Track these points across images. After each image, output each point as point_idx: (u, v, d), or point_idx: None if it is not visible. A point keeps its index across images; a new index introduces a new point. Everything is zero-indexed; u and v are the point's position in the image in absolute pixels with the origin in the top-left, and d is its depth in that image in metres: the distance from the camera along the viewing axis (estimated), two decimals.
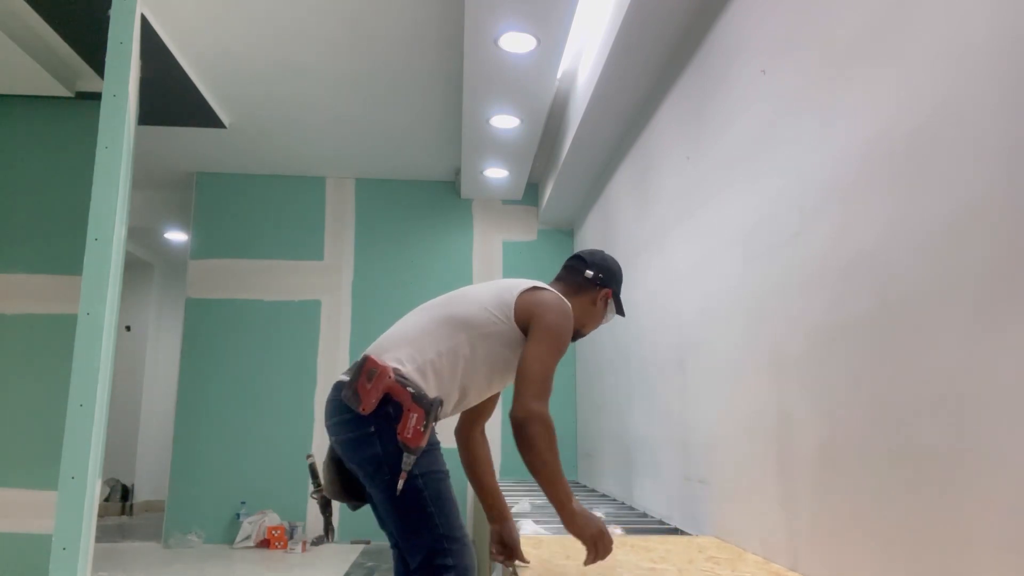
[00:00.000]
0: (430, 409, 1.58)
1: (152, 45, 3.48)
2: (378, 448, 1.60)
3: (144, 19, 3.18)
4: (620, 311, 1.95)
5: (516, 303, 1.71)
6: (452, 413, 1.79)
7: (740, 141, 2.26)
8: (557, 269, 5.66)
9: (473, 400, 1.80)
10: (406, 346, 1.68)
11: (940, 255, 1.33)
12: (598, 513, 3.12)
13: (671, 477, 2.91)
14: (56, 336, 3.37)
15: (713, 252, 2.49)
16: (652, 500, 3.19)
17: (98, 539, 2.85)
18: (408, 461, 1.56)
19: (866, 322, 1.56)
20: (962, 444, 1.26)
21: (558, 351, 1.67)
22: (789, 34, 1.96)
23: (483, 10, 2.95)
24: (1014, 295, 1.16)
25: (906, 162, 1.44)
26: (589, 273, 1.88)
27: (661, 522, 2.92)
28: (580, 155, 4.15)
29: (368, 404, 1.58)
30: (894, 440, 1.45)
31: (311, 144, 4.99)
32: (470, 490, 5.09)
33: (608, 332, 4.22)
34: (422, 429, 1.56)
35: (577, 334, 1.84)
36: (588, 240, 4.94)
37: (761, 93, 2.11)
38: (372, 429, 1.61)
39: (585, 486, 4.61)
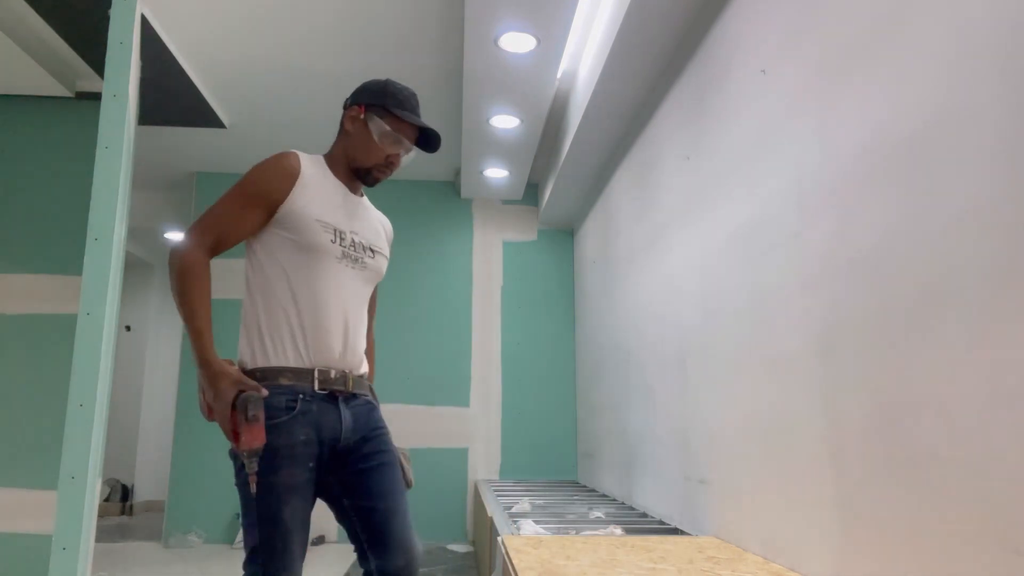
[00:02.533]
0: (243, 407, 1.47)
1: (152, 45, 3.48)
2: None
3: (144, 19, 3.18)
4: (394, 121, 1.69)
5: None
6: (324, 341, 1.60)
7: (740, 141, 2.26)
8: (557, 269, 5.56)
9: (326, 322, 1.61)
10: (242, 333, 1.63)
11: (940, 255, 1.33)
12: (597, 514, 3.11)
13: (671, 477, 2.91)
14: (56, 336, 3.37)
15: (713, 252, 2.49)
16: (652, 500, 3.19)
17: (98, 539, 2.86)
18: (250, 465, 1.47)
19: (866, 322, 1.56)
20: (962, 444, 1.26)
21: (231, 194, 1.58)
22: (789, 34, 1.96)
23: (483, 10, 2.95)
24: (1014, 295, 1.16)
25: (906, 162, 1.44)
26: (343, 108, 1.75)
27: (661, 522, 2.93)
28: (580, 155, 4.15)
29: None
30: (894, 440, 1.45)
31: (311, 144, 4.99)
32: (471, 492, 5.10)
33: (608, 332, 4.22)
34: (239, 430, 1.47)
35: (363, 173, 1.72)
36: (588, 240, 4.95)
37: (761, 93, 2.11)
38: None
39: (585, 486, 4.61)
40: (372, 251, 1.73)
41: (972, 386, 1.24)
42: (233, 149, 5.08)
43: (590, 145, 3.99)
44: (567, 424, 5.26)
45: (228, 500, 5.15)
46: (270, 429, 1.50)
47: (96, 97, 2.23)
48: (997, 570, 1.18)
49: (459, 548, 4.74)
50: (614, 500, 3.76)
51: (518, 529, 2.68)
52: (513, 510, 3.26)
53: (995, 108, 1.21)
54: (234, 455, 1.55)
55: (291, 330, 1.58)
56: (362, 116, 1.70)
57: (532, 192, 5.59)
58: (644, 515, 3.15)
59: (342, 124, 1.73)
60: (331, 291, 1.62)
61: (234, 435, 1.48)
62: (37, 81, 3.52)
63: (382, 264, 1.77)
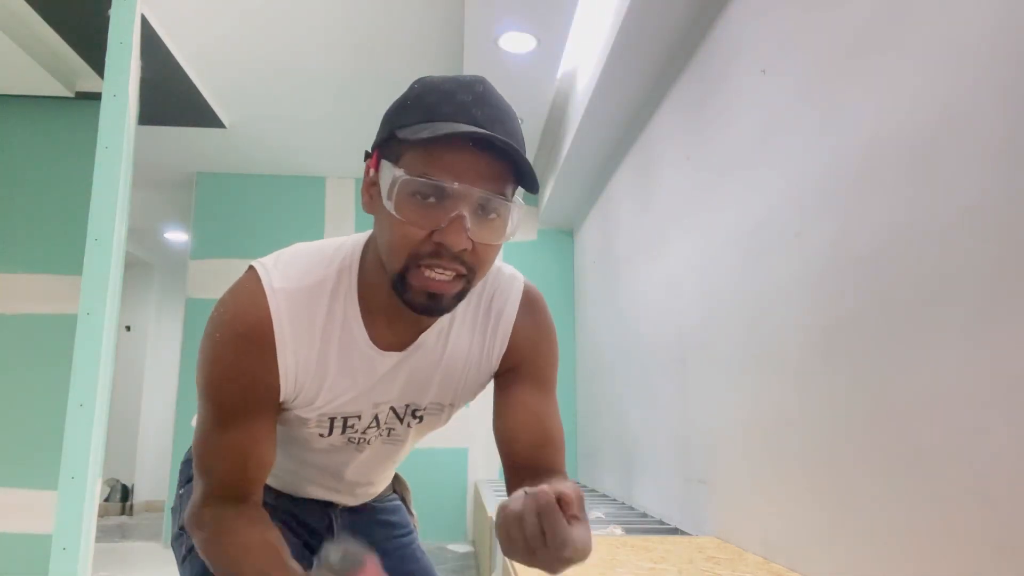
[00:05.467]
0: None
1: (152, 45, 3.48)
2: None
3: (144, 19, 3.18)
4: (419, 152, 0.82)
5: None
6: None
7: (740, 141, 2.26)
8: (557, 269, 5.50)
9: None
10: None
11: (941, 255, 1.33)
12: (597, 514, 3.11)
13: (671, 477, 2.90)
14: (56, 336, 3.37)
15: (713, 252, 2.49)
16: (652, 500, 3.19)
17: (98, 539, 2.85)
18: None
19: (866, 322, 1.56)
20: (962, 444, 1.26)
21: (204, 412, 0.93)
22: (789, 34, 1.96)
23: (483, 10, 2.95)
24: (1014, 295, 1.16)
25: (907, 161, 1.44)
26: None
27: (661, 522, 2.93)
28: (580, 155, 4.15)
29: None
30: (894, 440, 1.45)
31: (311, 144, 4.99)
32: (471, 492, 5.10)
33: (608, 332, 4.21)
34: None
35: (400, 287, 0.86)
36: (588, 240, 4.94)
37: (761, 93, 2.11)
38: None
39: (585, 486, 4.61)
40: (419, 415, 1.09)
41: (972, 386, 1.24)
42: (233, 149, 5.08)
43: (590, 145, 3.99)
44: (567, 424, 5.25)
45: None
46: None
47: (96, 97, 2.23)
48: (997, 570, 1.18)
49: (459, 548, 4.74)
50: (614, 500, 3.76)
51: None
52: None
53: (996, 108, 1.21)
54: (180, 533, 1.15)
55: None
56: (372, 173, 0.88)
57: None
58: (644, 515, 3.15)
59: (368, 198, 0.91)
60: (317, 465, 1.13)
61: None
62: (37, 81, 3.52)
63: (439, 418, 1.13)
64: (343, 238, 1.01)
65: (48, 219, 3.57)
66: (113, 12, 2.20)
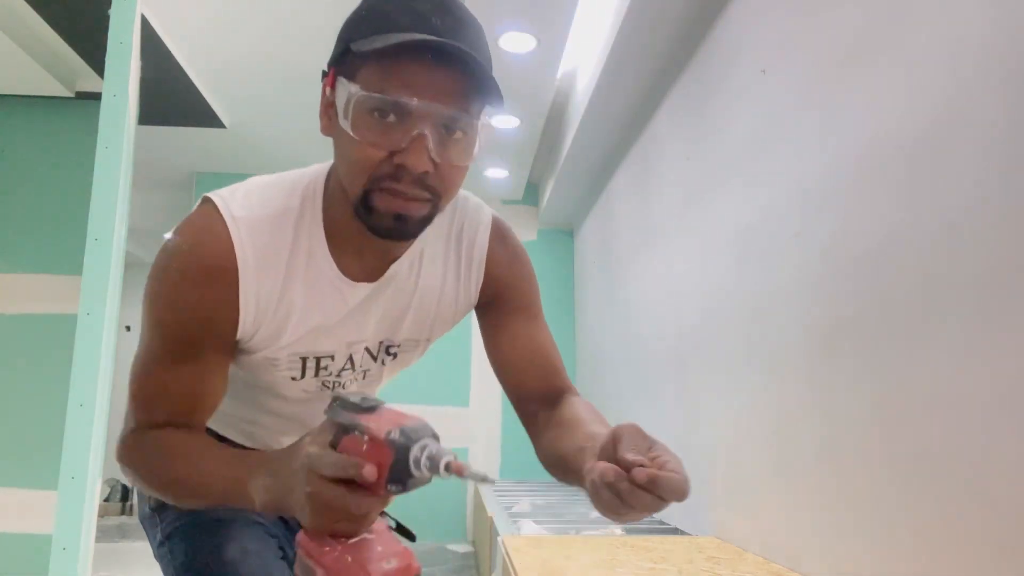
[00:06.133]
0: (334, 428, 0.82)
1: (152, 45, 3.48)
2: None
3: (144, 19, 3.18)
4: (374, 65, 0.79)
5: None
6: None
7: (740, 141, 2.26)
8: (557, 269, 5.50)
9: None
10: None
11: (940, 255, 1.33)
12: (597, 514, 3.11)
13: None
14: (56, 336, 3.37)
15: (713, 252, 2.49)
16: None
17: (98, 539, 2.86)
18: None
19: (866, 322, 1.56)
20: (962, 444, 1.26)
21: (152, 344, 0.88)
22: (789, 34, 1.96)
23: (483, 10, 2.95)
24: (1014, 295, 1.16)
25: (907, 161, 1.44)
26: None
27: (661, 522, 2.93)
28: (580, 155, 4.15)
29: None
30: (894, 440, 1.45)
31: (311, 144, 4.99)
32: (471, 492, 5.10)
33: (608, 332, 4.21)
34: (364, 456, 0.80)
35: (362, 211, 0.82)
36: (588, 240, 4.95)
37: (761, 93, 2.11)
38: None
39: None
40: (393, 352, 1.06)
41: (972, 386, 1.24)
42: (233, 149, 5.08)
43: (590, 145, 3.99)
44: None
45: None
46: None
47: (96, 97, 2.23)
48: (997, 570, 1.18)
49: (459, 548, 4.74)
50: None
51: (518, 529, 2.68)
52: (513, 510, 3.26)
53: (995, 108, 1.21)
54: (152, 515, 1.11)
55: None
56: (329, 92, 0.84)
57: (532, 192, 5.59)
58: None
59: (326, 123, 0.87)
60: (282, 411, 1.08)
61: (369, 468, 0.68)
62: (37, 81, 3.52)
63: (414, 354, 1.10)
64: (304, 168, 0.96)
65: (48, 219, 3.57)
66: (113, 12, 2.20)
